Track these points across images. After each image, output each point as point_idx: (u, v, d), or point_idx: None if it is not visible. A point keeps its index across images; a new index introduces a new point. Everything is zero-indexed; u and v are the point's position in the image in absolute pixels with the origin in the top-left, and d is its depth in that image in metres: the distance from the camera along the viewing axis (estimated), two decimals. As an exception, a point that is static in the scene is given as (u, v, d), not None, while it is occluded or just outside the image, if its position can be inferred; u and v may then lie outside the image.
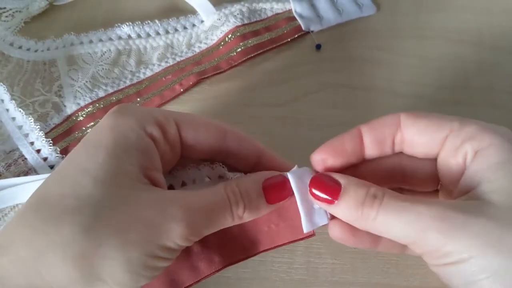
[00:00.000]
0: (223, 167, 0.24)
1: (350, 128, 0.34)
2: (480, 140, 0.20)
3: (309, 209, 0.23)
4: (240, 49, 0.37)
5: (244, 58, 0.37)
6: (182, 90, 0.36)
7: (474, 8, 0.41)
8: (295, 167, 0.24)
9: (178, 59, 0.38)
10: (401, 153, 0.24)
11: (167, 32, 0.38)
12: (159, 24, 0.38)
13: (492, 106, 0.36)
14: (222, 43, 0.38)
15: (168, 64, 0.37)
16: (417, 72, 0.38)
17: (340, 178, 0.22)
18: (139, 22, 0.38)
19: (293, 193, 0.23)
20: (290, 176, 0.23)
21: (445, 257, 0.19)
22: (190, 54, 0.38)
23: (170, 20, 0.39)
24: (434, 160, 0.23)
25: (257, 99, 0.37)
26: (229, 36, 0.37)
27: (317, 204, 0.23)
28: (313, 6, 0.40)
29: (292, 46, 0.39)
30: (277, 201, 0.23)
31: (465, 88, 0.37)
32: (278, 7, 0.40)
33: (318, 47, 0.39)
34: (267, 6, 0.40)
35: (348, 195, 0.21)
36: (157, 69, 0.37)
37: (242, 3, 0.39)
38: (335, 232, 0.23)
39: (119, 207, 0.18)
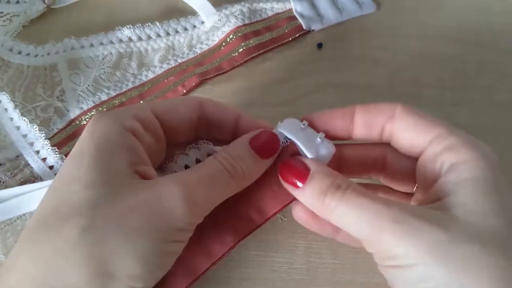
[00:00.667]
0: (208, 143, 0.25)
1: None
2: (458, 154, 0.20)
3: (313, 147, 0.23)
4: (241, 49, 0.37)
5: (246, 58, 0.37)
6: (185, 91, 0.36)
7: (474, 8, 0.41)
8: (281, 122, 0.25)
9: (179, 60, 0.37)
10: (388, 144, 0.24)
11: (167, 34, 0.38)
12: (159, 26, 0.38)
13: (492, 106, 0.36)
14: (224, 43, 0.38)
15: (170, 66, 0.37)
16: (417, 72, 0.38)
17: (312, 164, 0.22)
18: (140, 25, 0.38)
19: (283, 143, 0.24)
20: (281, 129, 0.24)
21: (392, 259, 0.19)
22: (191, 55, 0.38)
23: (171, 21, 0.39)
24: (415, 160, 0.23)
25: (257, 99, 0.37)
26: (231, 36, 0.37)
27: (319, 139, 0.23)
28: (313, 6, 0.40)
29: (292, 46, 0.39)
30: (270, 153, 0.23)
31: (465, 88, 0.37)
32: (279, 7, 0.40)
33: (320, 45, 0.39)
34: (267, 6, 0.39)
35: (313, 182, 0.21)
36: (159, 71, 0.37)
37: (243, 3, 0.39)
38: (299, 215, 0.24)
39: (115, 201, 0.18)
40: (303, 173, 0.22)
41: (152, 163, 0.22)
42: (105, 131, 0.20)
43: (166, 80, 0.36)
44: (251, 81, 0.38)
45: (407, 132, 0.22)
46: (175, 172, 0.24)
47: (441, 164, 0.21)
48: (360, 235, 0.20)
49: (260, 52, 0.37)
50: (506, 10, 0.41)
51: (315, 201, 0.21)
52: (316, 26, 0.39)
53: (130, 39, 0.37)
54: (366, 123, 0.23)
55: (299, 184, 0.22)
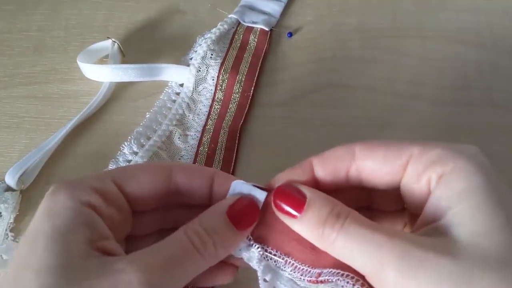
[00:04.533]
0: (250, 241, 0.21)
1: (350, 128, 0.35)
2: (443, 164, 0.18)
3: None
4: (239, 89, 0.36)
5: (253, 85, 0.36)
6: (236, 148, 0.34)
7: (474, 8, 0.41)
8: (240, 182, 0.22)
9: (200, 128, 0.35)
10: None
11: (168, 123, 0.35)
12: (162, 128, 0.35)
13: (492, 106, 0.36)
14: (219, 87, 0.36)
15: (197, 139, 0.34)
16: (417, 72, 0.38)
17: (307, 191, 0.20)
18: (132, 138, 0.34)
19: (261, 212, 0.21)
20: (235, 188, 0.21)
21: None
22: (204, 118, 0.35)
23: (158, 114, 0.35)
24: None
25: (257, 99, 0.37)
26: (222, 76, 0.36)
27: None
28: (253, 9, 0.41)
29: (291, 46, 0.39)
30: (249, 225, 0.21)
31: (465, 88, 0.37)
32: (227, 27, 0.40)
33: (290, 35, 0.40)
34: (221, 29, 0.39)
35: (311, 211, 0.19)
36: (192, 150, 0.34)
37: (200, 42, 0.38)
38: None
39: None
40: (300, 201, 0.20)
41: (118, 235, 0.20)
42: (61, 208, 0.19)
43: (209, 152, 0.34)
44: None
45: (377, 167, 0.20)
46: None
47: (428, 181, 0.19)
48: (363, 270, 0.18)
49: (257, 75, 0.37)
50: (506, 11, 0.41)
51: (314, 232, 0.19)
52: (272, 23, 0.40)
53: (135, 153, 0.33)
54: (328, 173, 0.21)
55: (294, 213, 0.20)
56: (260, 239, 0.21)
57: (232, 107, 0.36)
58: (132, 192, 0.21)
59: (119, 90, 0.37)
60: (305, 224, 0.20)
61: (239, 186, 0.21)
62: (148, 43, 0.40)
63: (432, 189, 0.19)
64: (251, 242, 0.21)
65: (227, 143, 0.34)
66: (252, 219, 0.21)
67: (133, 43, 0.40)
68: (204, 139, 0.34)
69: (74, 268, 0.17)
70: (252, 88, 0.36)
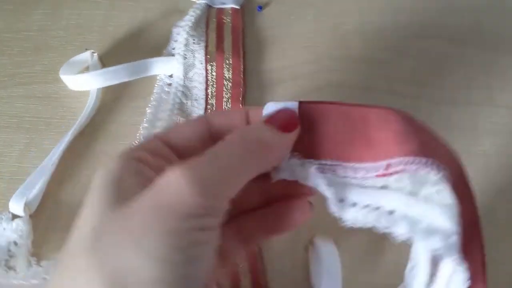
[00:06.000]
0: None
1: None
2: None
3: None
4: (229, 67, 0.37)
5: (241, 62, 0.37)
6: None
7: (475, 8, 0.41)
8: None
9: (202, 112, 0.36)
10: None
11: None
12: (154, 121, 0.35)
13: (492, 106, 0.36)
14: (209, 68, 0.37)
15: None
16: (416, 72, 0.38)
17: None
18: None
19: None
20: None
21: None
22: (202, 102, 0.36)
23: (151, 103, 0.36)
24: None
25: (257, 100, 0.37)
26: (210, 58, 0.37)
27: None
28: None
29: (291, 46, 0.39)
30: (291, 128, 0.20)
31: (465, 88, 0.37)
32: (199, 12, 0.40)
33: (260, 8, 0.41)
34: (194, 15, 0.39)
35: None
36: None
37: (180, 30, 0.38)
38: None
39: (120, 208, 0.17)
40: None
41: None
42: (111, 166, 0.20)
43: None
44: (250, 81, 0.38)
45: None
46: None
47: None
48: None
49: (242, 48, 0.38)
50: (506, 11, 0.41)
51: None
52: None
53: None
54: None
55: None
56: (308, 156, 0.20)
57: (227, 84, 0.36)
58: (176, 143, 0.22)
59: (117, 90, 0.37)
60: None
61: (271, 106, 0.21)
62: (147, 43, 0.40)
63: None
64: (301, 161, 0.20)
65: None
66: (293, 123, 0.21)
67: (132, 43, 0.40)
68: None
69: (121, 198, 0.18)
70: (242, 65, 0.37)
